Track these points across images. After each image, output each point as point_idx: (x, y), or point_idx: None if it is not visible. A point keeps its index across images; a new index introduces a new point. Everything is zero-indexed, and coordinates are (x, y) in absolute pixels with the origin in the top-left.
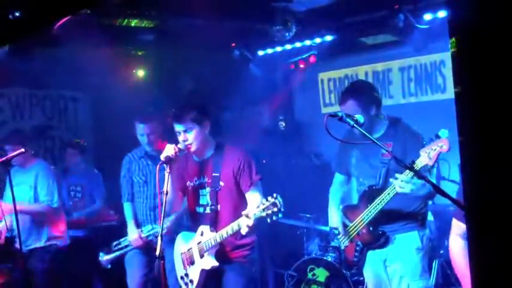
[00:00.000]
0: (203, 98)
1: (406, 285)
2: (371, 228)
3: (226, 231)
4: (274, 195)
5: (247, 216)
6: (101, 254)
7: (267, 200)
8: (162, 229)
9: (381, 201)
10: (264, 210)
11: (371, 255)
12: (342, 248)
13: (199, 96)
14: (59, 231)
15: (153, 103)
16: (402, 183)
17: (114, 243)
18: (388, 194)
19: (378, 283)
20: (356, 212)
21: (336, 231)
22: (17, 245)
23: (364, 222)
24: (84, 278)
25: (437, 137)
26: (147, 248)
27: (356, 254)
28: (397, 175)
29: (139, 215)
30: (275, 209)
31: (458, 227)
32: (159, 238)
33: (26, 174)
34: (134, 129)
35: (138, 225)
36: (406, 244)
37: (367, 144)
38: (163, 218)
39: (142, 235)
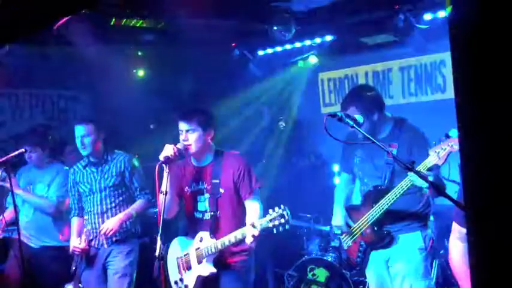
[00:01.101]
0: (203, 98)
1: (408, 285)
2: (375, 228)
3: (228, 240)
4: (282, 206)
5: (253, 226)
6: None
7: (274, 211)
8: (161, 230)
9: (387, 202)
10: (271, 221)
11: (373, 255)
12: (345, 248)
13: (199, 96)
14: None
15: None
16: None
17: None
18: (395, 194)
19: (380, 283)
20: (360, 212)
21: (338, 231)
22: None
23: (368, 223)
24: None
25: (448, 136)
26: (97, 263)
27: (359, 254)
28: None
29: (89, 225)
30: (282, 221)
31: (458, 231)
32: (158, 238)
33: (43, 174)
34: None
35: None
36: (409, 244)
37: (371, 145)
38: (162, 219)
39: (83, 236)
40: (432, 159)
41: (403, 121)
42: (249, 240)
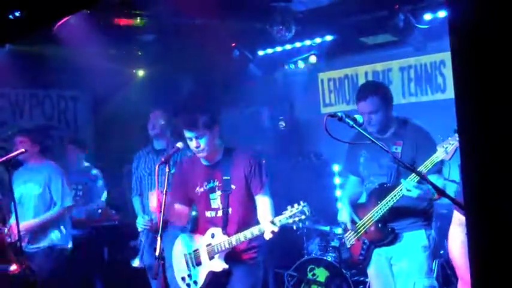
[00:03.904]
0: (203, 98)
1: (412, 283)
2: (380, 226)
3: (244, 236)
4: (302, 202)
5: (272, 222)
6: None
7: (293, 207)
8: (161, 229)
9: (391, 199)
10: (291, 217)
11: (376, 253)
12: (348, 246)
13: (198, 96)
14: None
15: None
16: (409, 189)
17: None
18: (399, 191)
19: (382, 281)
20: (365, 209)
21: (343, 226)
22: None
23: (373, 220)
24: (84, 277)
25: (456, 131)
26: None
27: (362, 252)
28: (402, 181)
29: (147, 208)
30: (303, 217)
31: (458, 219)
32: (159, 238)
33: (34, 173)
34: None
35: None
36: (413, 242)
37: (375, 144)
38: (162, 218)
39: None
40: (439, 154)
41: (406, 120)
42: (267, 236)
